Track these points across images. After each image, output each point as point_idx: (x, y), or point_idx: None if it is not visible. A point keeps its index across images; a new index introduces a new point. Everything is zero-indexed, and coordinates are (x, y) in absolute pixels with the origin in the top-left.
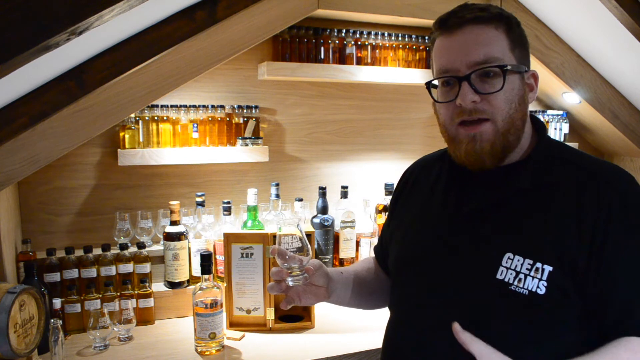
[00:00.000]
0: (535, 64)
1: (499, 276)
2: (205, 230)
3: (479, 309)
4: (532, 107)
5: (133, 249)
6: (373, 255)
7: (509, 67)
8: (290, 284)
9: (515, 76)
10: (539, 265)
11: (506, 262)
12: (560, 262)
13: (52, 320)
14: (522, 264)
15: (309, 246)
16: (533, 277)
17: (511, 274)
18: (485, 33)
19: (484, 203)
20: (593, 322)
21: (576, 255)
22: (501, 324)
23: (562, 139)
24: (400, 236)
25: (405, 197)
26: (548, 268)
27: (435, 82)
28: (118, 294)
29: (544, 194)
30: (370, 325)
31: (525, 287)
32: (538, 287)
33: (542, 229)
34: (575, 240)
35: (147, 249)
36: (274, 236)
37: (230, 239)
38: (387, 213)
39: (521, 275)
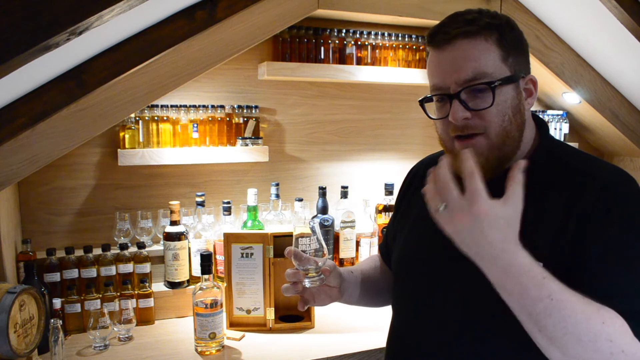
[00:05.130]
0: (535, 64)
1: None
2: (205, 230)
3: (475, 306)
4: (532, 107)
5: (133, 249)
6: (378, 253)
7: (497, 84)
8: (307, 285)
9: (509, 87)
10: None
11: None
12: (550, 259)
13: (52, 320)
14: None
15: (326, 247)
16: None
17: None
18: (475, 47)
19: None
20: None
21: (564, 252)
22: (497, 320)
23: (562, 139)
24: (403, 235)
25: (410, 196)
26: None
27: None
28: (118, 294)
29: (541, 192)
30: (371, 325)
31: None
32: None
33: (535, 226)
34: (562, 237)
35: (147, 249)
36: (275, 236)
37: (230, 239)
38: (387, 213)
39: None
